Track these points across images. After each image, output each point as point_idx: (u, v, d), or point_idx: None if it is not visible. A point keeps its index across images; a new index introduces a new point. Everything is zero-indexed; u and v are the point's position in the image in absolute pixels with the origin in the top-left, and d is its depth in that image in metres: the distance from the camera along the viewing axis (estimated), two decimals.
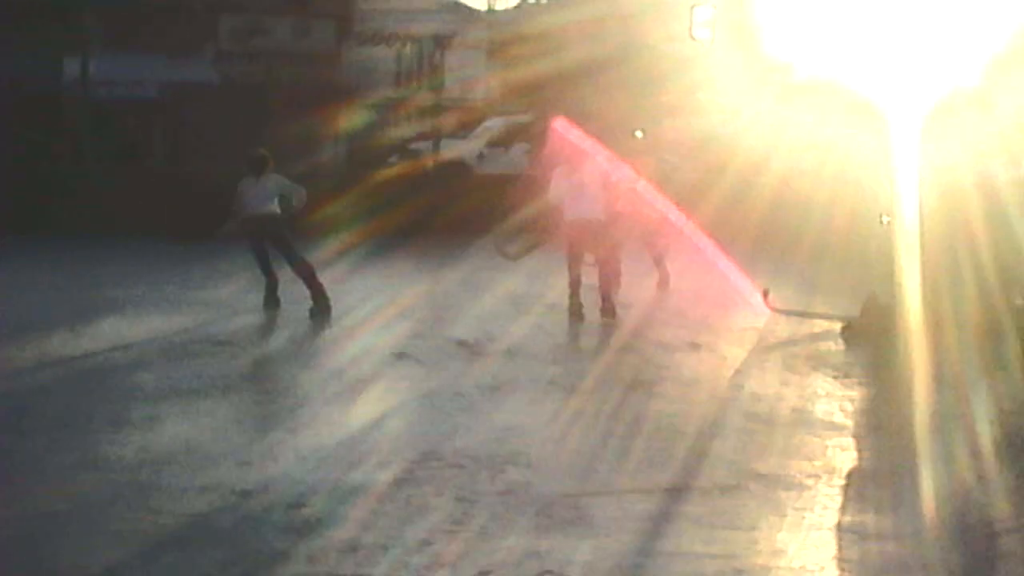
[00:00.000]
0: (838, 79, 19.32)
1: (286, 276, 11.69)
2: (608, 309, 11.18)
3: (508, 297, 12.72)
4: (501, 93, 39.46)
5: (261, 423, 7.37)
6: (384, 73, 37.18)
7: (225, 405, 7.81)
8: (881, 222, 9.93)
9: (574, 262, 11.48)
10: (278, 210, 11.60)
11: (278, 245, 11.55)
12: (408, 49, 37.93)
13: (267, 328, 10.94)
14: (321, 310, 11.35)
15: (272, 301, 11.71)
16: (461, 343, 9.99)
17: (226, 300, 12.24)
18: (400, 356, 9.43)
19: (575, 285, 11.36)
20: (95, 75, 20.93)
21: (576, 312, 11.18)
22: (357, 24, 36.99)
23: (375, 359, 9.39)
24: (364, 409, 7.88)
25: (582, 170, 11.65)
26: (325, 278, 11.69)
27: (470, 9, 46.01)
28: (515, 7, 49.56)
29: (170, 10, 30.52)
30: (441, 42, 36.35)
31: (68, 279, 13.01)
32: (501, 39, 40.78)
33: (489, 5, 50.98)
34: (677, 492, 6.15)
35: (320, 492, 6.01)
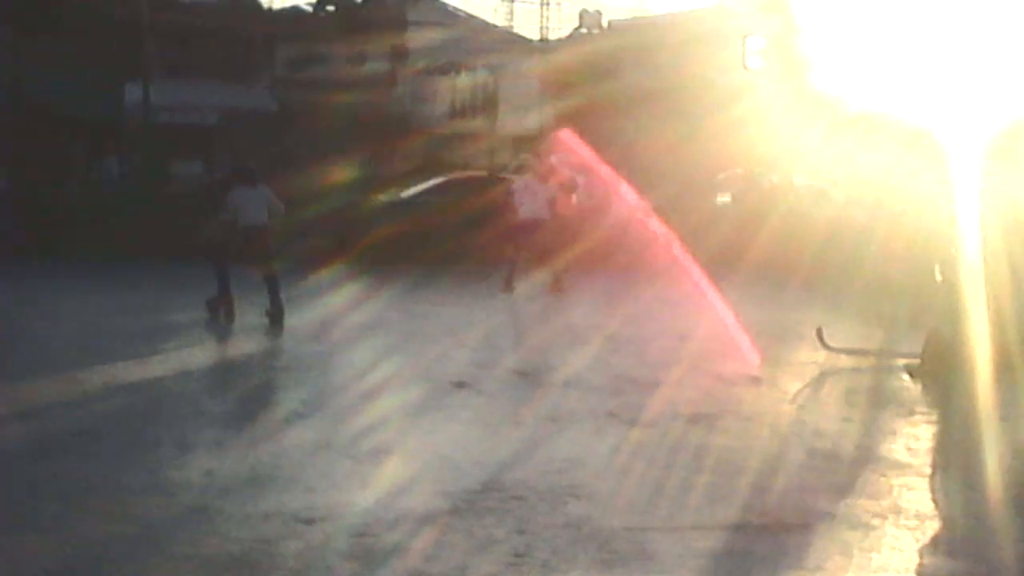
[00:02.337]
0: (894, 111, 19.16)
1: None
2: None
3: (566, 328, 12.72)
4: (554, 122, 39.54)
5: (324, 449, 7.38)
6: (438, 102, 37.47)
7: (288, 431, 7.84)
8: (936, 277, 9.79)
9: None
10: (268, 220, 12.42)
11: (263, 252, 12.27)
12: (463, 78, 38.23)
13: (328, 355, 10.99)
14: (277, 318, 12.13)
15: (228, 316, 12.31)
16: (520, 373, 9.99)
17: (288, 326, 12.32)
18: (460, 385, 9.44)
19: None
20: (156, 101, 21.23)
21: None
22: (412, 53, 37.35)
23: (435, 388, 9.41)
24: (425, 438, 7.88)
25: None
26: (381, 303, 11.83)
27: (524, 39, 46.26)
28: (568, 37, 49.76)
29: (229, 39, 31.01)
30: (495, 72, 36.60)
31: (135, 303, 13.17)
32: (554, 69, 40.91)
33: (542, 35, 51.21)
34: (740, 529, 6.08)
35: (383, 521, 6.02)
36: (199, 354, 10.49)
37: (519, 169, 16.35)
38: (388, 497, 6.44)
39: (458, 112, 37.63)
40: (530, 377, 9.85)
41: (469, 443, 7.78)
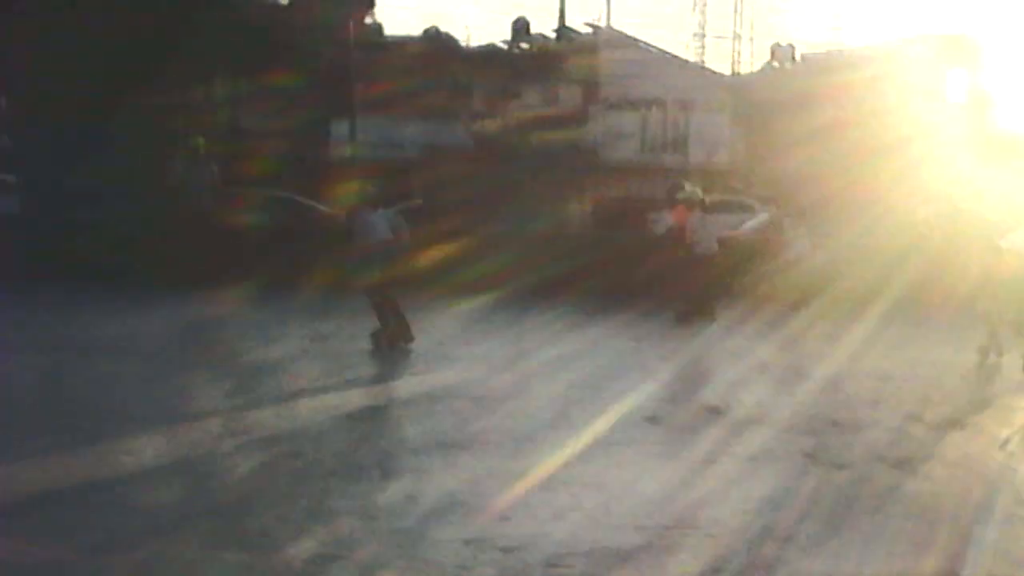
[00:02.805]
0: None
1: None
2: None
3: (758, 364, 12.56)
4: (745, 156, 39.14)
5: (520, 479, 7.51)
6: (629, 136, 37.63)
7: (486, 459, 8.00)
8: None
9: None
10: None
11: (390, 269, 12.47)
12: (653, 113, 38.30)
13: (521, 384, 11.15)
14: (381, 341, 12.30)
15: (407, 338, 12.47)
16: (712, 409, 9.92)
17: (483, 355, 12.58)
18: (651, 420, 9.45)
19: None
20: (359, 137, 22.07)
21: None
22: (603, 89, 37.65)
23: (627, 422, 9.45)
24: (617, 471, 7.92)
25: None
26: (563, 335, 11.94)
27: (714, 73, 46.00)
28: (759, 71, 49.22)
29: (429, 77, 32.02)
30: (685, 106, 36.52)
31: (336, 329, 13.67)
32: (746, 102, 40.52)
33: (734, 69, 50.81)
34: None
35: (578, 552, 6.09)
36: (397, 381, 10.82)
37: (687, 203, 16.13)
38: (582, 529, 6.51)
39: (649, 146, 37.66)
40: (723, 414, 9.77)
41: (662, 478, 7.78)
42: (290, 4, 24.87)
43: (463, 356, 12.45)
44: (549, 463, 7.96)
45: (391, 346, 12.38)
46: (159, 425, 8.83)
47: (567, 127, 34.52)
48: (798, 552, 6.27)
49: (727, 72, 49.76)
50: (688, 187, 17.48)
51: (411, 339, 12.52)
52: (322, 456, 7.95)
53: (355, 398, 10.20)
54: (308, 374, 11.07)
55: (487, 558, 5.96)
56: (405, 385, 10.68)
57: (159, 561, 5.78)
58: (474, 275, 17.06)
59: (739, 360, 13.04)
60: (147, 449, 8.00)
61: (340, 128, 24.24)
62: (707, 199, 16.74)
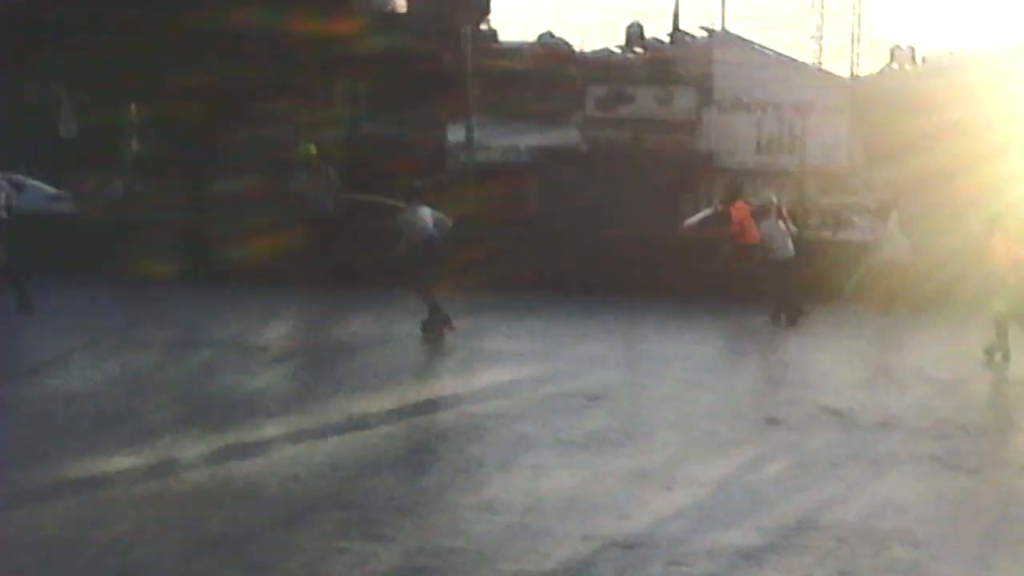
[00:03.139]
0: None
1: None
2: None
3: (880, 366, 12.33)
4: (863, 159, 38.38)
5: (638, 477, 7.49)
6: (744, 139, 37.19)
7: (603, 457, 8.00)
8: None
9: None
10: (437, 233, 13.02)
11: (435, 262, 12.71)
12: (769, 115, 37.77)
13: (636, 386, 11.13)
14: (429, 331, 12.62)
15: (449, 326, 12.77)
16: (833, 412, 9.74)
17: (599, 355, 12.59)
18: (771, 421, 9.33)
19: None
20: (476, 141, 22.27)
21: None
22: (718, 92, 37.28)
23: (746, 423, 9.35)
24: (738, 472, 7.85)
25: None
26: (674, 337, 11.81)
27: (831, 75, 45.19)
28: (879, 72, 48.21)
29: (544, 81, 32.18)
30: (802, 108, 35.94)
31: (458, 331, 13.82)
32: (864, 104, 39.73)
33: (852, 72, 49.89)
34: None
35: (699, 552, 6.06)
36: (515, 380, 10.86)
37: (760, 211, 15.97)
38: (702, 528, 6.47)
39: (764, 149, 37.19)
40: (845, 416, 9.59)
41: (784, 480, 7.69)
42: (408, 11, 25.24)
43: (577, 356, 12.46)
44: (668, 462, 7.93)
45: (440, 334, 12.76)
46: (289, 419, 9.04)
47: (681, 131, 34.31)
48: (926, 556, 6.14)
49: (845, 74, 48.84)
50: (765, 194, 17.35)
51: (451, 328, 12.86)
52: (443, 451, 8.05)
53: (476, 396, 10.27)
54: (431, 373, 11.21)
55: (607, 555, 5.96)
56: (524, 383, 10.72)
57: (288, 550, 5.91)
58: (585, 277, 17.10)
59: (854, 362, 12.81)
60: (275, 443, 8.18)
61: (456, 133, 24.49)
62: (783, 205, 16.55)
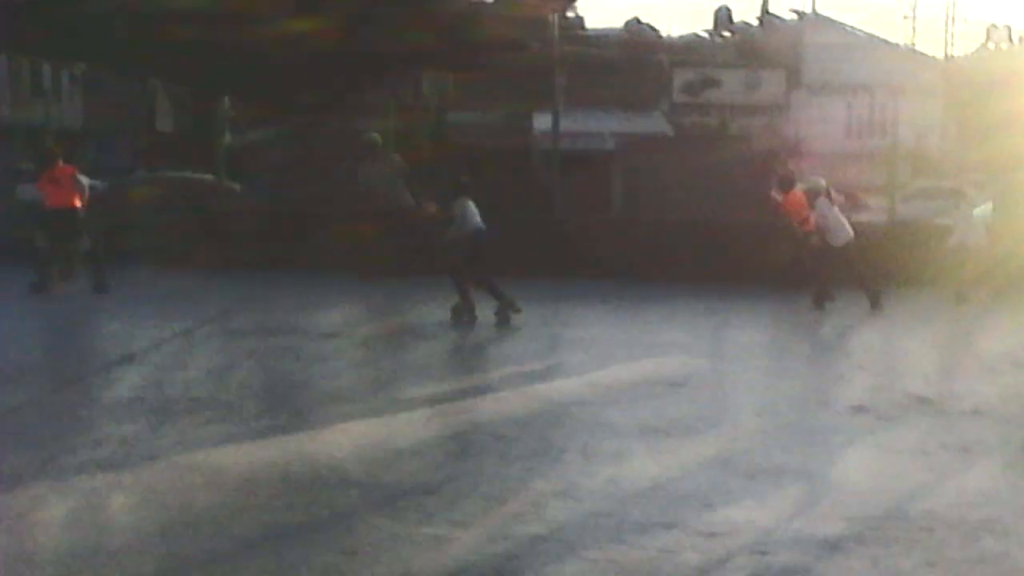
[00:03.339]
0: None
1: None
2: None
3: (971, 353, 12.08)
4: (957, 140, 37.59)
5: (722, 466, 7.46)
6: (833, 123, 36.64)
7: (686, 445, 7.98)
8: None
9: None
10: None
11: (485, 255, 13.29)
12: (859, 98, 37.14)
13: (718, 372, 11.07)
14: (504, 316, 13.17)
15: (471, 316, 13.24)
16: (922, 399, 9.59)
17: (681, 342, 12.55)
18: (858, 409, 9.21)
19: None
20: (561, 128, 22.23)
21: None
22: (807, 75, 36.77)
23: (832, 410, 9.25)
24: (823, 461, 7.78)
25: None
26: (755, 324, 11.64)
27: (925, 56, 44.25)
28: (974, 52, 47.09)
29: (630, 67, 32.04)
30: (894, 90, 35.23)
31: (539, 318, 13.87)
32: (958, 85, 38.89)
33: (946, 52, 48.76)
34: None
35: (784, 541, 6.01)
36: (598, 367, 10.88)
37: (810, 195, 15.77)
38: (787, 517, 6.42)
39: (854, 132, 36.58)
40: (934, 404, 9.43)
41: (870, 469, 7.59)
42: (494, 0, 25.26)
43: (659, 343, 12.43)
44: (752, 450, 7.88)
45: (469, 320, 13.21)
46: (371, 406, 9.19)
47: (769, 115, 33.91)
48: (1016, 546, 6.02)
49: (939, 55, 47.78)
50: (813, 179, 17.21)
51: (474, 319, 13.23)
52: (525, 438, 8.09)
53: (558, 382, 10.33)
54: (512, 359, 11.26)
55: (690, 543, 5.95)
56: (606, 371, 10.73)
57: (374, 535, 6.01)
58: (665, 263, 17.05)
59: (939, 348, 12.56)
60: (359, 429, 8.31)
61: (542, 121, 24.51)
62: (832, 189, 16.34)
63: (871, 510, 6.55)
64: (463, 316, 13.30)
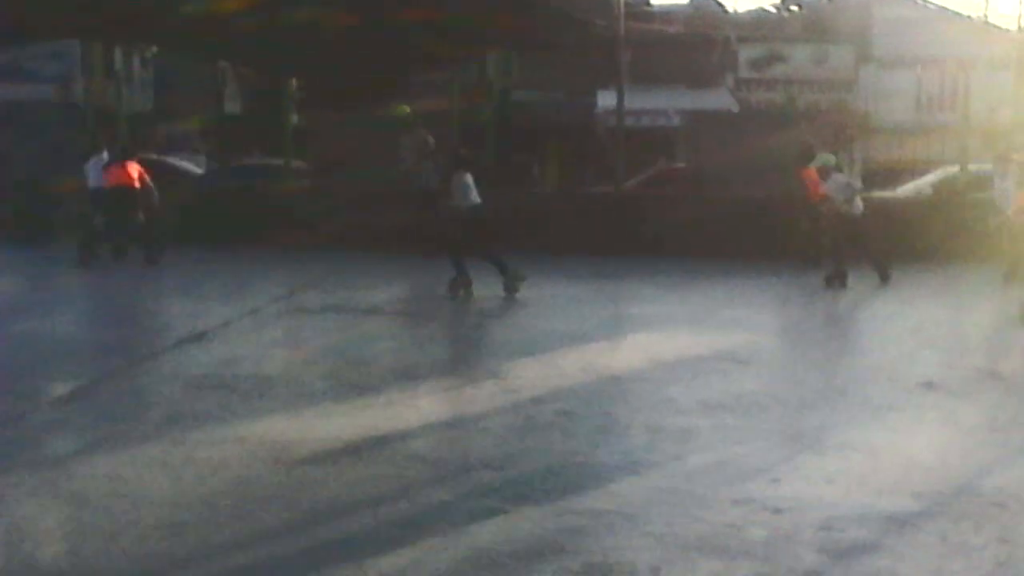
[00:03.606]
0: None
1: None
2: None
3: None
4: None
5: (788, 442, 7.42)
6: (903, 97, 36.01)
7: (752, 421, 7.94)
8: None
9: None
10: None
11: (485, 231, 13.41)
12: (929, 71, 36.44)
13: (782, 349, 11.00)
14: (511, 287, 13.35)
15: (467, 293, 13.41)
16: (995, 375, 9.44)
17: (742, 319, 12.48)
18: (928, 385, 9.09)
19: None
20: (626, 106, 22.17)
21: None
22: (876, 48, 36.13)
23: (901, 387, 9.14)
24: (892, 437, 7.69)
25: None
26: (817, 301, 11.57)
27: (998, 28, 43.24)
28: None
29: (695, 43, 31.75)
30: (965, 63, 34.56)
31: (602, 295, 13.86)
32: None
33: (1020, 24, 47.66)
34: None
35: (851, 517, 5.96)
36: (663, 343, 10.86)
37: (822, 171, 15.61)
38: (854, 493, 6.37)
39: (924, 107, 35.93)
40: (1007, 380, 9.28)
41: (939, 445, 7.50)
42: None
43: (724, 319, 12.38)
44: (819, 426, 7.82)
45: (465, 294, 13.39)
46: (436, 381, 9.27)
47: (836, 90, 33.41)
48: None
49: (1012, 27, 46.68)
50: (823, 155, 17.04)
51: (471, 294, 13.41)
52: (590, 414, 8.10)
53: (622, 358, 10.32)
54: (576, 336, 11.28)
55: (757, 519, 5.93)
56: (671, 347, 10.71)
57: (440, 509, 6.07)
58: (729, 239, 16.94)
59: (1007, 324, 12.32)
60: (425, 404, 8.39)
61: (606, 98, 24.44)
62: (842, 164, 16.34)
63: (940, 486, 6.49)
64: (459, 291, 13.43)
